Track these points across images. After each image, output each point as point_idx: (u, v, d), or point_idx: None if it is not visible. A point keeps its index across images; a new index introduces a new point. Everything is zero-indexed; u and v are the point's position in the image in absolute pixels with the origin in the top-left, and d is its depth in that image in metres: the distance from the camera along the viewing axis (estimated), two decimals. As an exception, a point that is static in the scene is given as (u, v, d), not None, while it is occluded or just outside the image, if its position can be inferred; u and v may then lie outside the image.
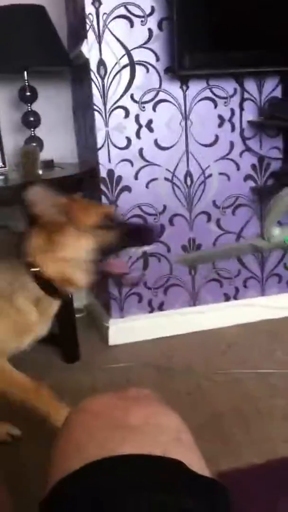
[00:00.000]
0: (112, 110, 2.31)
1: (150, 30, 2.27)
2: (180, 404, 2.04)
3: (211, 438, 1.83)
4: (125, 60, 2.28)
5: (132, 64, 2.29)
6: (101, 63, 2.25)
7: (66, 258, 1.49)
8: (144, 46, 2.28)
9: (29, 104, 2.43)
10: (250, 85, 2.45)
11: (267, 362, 2.32)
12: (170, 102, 2.37)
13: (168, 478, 0.70)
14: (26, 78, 2.39)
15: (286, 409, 1.98)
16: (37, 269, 1.51)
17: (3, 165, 2.28)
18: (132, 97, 2.32)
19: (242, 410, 1.99)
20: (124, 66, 2.28)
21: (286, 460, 1.70)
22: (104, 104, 2.30)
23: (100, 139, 2.33)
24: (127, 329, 2.52)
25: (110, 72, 2.27)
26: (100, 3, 2.19)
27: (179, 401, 2.07)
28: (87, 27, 2.21)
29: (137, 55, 2.28)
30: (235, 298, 2.67)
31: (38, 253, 1.50)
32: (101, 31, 2.22)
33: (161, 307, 2.58)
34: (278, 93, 2.47)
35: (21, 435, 1.87)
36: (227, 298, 2.67)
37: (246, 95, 2.45)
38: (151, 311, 2.57)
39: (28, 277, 1.52)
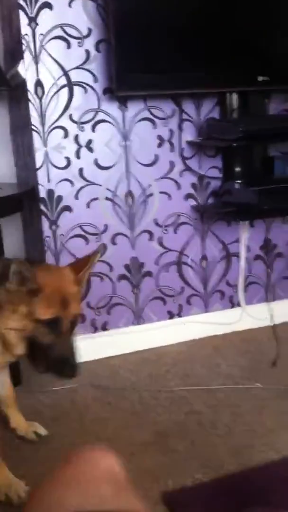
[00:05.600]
0: (51, 130, 2.31)
1: (87, 51, 2.29)
2: (125, 422, 2.04)
3: (157, 455, 1.83)
4: (63, 81, 2.29)
5: (70, 84, 2.30)
6: (38, 83, 2.25)
7: (6, 329, 1.58)
8: (82, 67, 2.30)
9: None
10: (188, 106, 2.50)
11: (211, 377, 2.33)
12: (109, 122, 2.39)
13: None
14: None
15: (230, 424, 1.99)
16: None
17: None
18: (70, 117, 2.33)
19: (186, 426, 1.99)
20: (62, 87, 2.29)
21: (230, 477, 1.71)
22: (42, 124, 2.29)
23: (39, 159, 2.32)
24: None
25: (48, 93, 2.27)
26: (37, 24, 2.20)
27: (124, 420, 2.06)
28: (24, 47, 2.21)
29: (75, 76, 2.30)
30: (179, 315, 2.69)
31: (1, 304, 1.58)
32: (37, 52, 2.23)
33: (104, 327, 2.57)
34: (215, 113, 2.53)
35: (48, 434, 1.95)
36: (171, 315, 2.67)
37: (184, 116, 2.50)
38: (95, 331, 2.55)
39: None
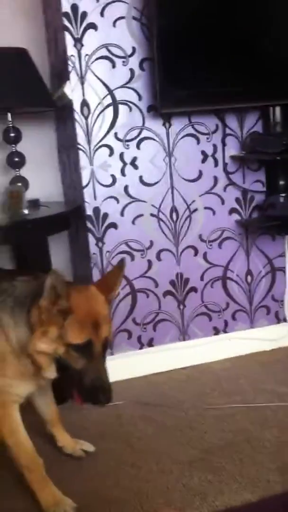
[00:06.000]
0: (97, 149, 2.34)
1: (131, 70, 2.32)
2: (172, 440, 2.03)
3: (204, 474, 1.82)
4: (108, 100, 2.32)
5: (115, 103, 2.33)
6: (84, 103, 2.29)
7: (37, 351, 1.55)
8: (126, 85, 2.33)
9: (13, 145, 2.46)
10: (231, 121, 2.50)
11: (258, 394, 2.31)
12: (153, 139, 2.41)
13: None
14: (10, 119, 2.43)
15: (277, 442, 1.96)
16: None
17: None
18: (116, 135, 2.36)
19: (233, 444, 1.97)
20: (107, 106, 2.32)
21: (280, 497, 1.68)
22: (89, 143, 2.33)
23: (85, 177, 2.35)
24: (117, 366, 2.49)
25: (94, 112, 2.31)
26: (82, 45, 2.24)
27: (171, 437, 2.05)
28: (70, 68, 2.25)
29: (120, 95, 2.33)
30: (225, 331, 2.67)
31: (34, 325, 1.57)
32: (83, 72, 2.27)
33: (150, 343, 2.57)
34: (258, 127, 2.53)
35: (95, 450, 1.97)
36: (216, 331, 2.66)
37: (228, 131, 2.50)
38: (141, 347, 2.56)
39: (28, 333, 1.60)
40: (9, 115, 2.41)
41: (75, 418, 2.18)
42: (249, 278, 2.66)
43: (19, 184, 2.40)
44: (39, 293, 1.53)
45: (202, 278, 2.59)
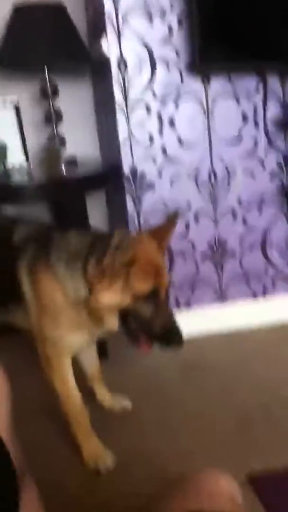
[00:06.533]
0: (134, 107, 2.30)
1: (170, 26, 2.26)
2: (209, 403, 2.00)
3: (241, 440, 1.78)
4: (146, 56, 2.27)
5: (152, 60, 2.28)
6: (121, 59, 2.25)
7: (101, 305, 1.55)
8: (165, 42, 2.27)
9: (50, 101, 2.43)
10: (273, 81, 2.41)
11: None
12: (192, 98, 2.35)
13: None
14: (47, 75, 2.39)
15: None
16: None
17: (27, 162, 2.27)
18: (153, 93, 2.31)
19: (271, 410, 1.93)
20: (145, 62, 2.27)
21: None
22: (126, 100, 2.28)
23: (122, 136, 2.31)
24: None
25: (131, 69, 2.26)
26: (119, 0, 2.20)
27: (208, 400, 2.03)
28: (107, 23, 2.21)
29: (158, 51, 2.27)
30: (264, 296, 2.61)
31: (93, 278, 1.54)
32: (121, 28, 2.22)
33: (188, 305, 2.53)
34: (302, 88, 2.44)
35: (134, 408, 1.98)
36: (255, 296, 2.60)
37: (269, 91, 2.42)
38: (178, 308, 2.51)
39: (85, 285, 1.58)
40: (46, 70, 2.37)
41: (117, 375, 2.17)
42: (288, 243, 2.59)
43: (56, 141, 2.36)
44: (96, 248, 1.54)
45: (241, 243, 2.53)
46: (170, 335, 1.56)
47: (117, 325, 1.60)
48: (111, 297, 1.52)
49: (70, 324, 1.64)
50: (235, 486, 1.06)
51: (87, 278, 1.55)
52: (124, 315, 1.57)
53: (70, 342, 1.69)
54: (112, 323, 1.59)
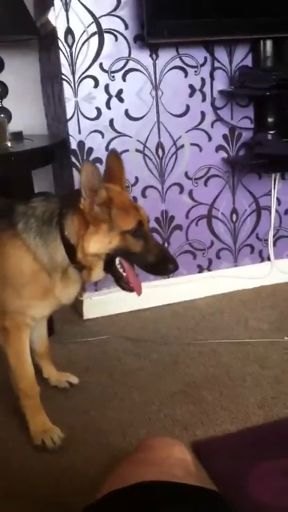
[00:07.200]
0: (81, 80, 2.27)
1: (118, -2, 2.23)
2: (155, 374, 2.06)
3: (186, 406, 1.86)
4: (93, 28, 2.23)
5: (100, 32, 2.24)
6: (68, 31, 2.21)
7: (92, 253, 1.58)
8: (113, 13, 2.24)
9: (-5, 75, 2.38)
10: (221, 54, 2.42)
11: (240, 331, 2.34)
12: (140, 71, 2.34)
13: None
14: (-9, 47, 2.33)
15: (258, 376, 2.00)
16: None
17: None
18: (101, 66, 2.28)
19: (215, 378, 2.01)
20: (92, 34, 2.24)
21: (257, 428, 1.73)
22: (73, 73, 2.25)
23: (69, 110, 2.29)
24: (101, 302, 2.51)
25: (78, 41, 2.23)
26: None
27: (155, 371, 2.09)
28: (54, -5, 2.15)
29: (106, 23, 2.24)
30: (209, 269, 2.68)
31: (74, 235, 1.59)
32: (68, -1, 2.17)
33: (135, 280, 2.57)
34: (248, 61, 2.45)
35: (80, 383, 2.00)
36: (200, 269, 2.67)
37: (216, 64, 2.43)
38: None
39: (62, 248, 1.62)
40: (-10, 42, 2.32)
41: (63, 351, 2.21)
42: (234, 216, 2.65)
43: (2, 115, 2.33)
44: (68, 206, 1.58)
45: (187, 216, 2.58)
46: (166, 261, 1.65)
47: (102, 275, 1.66)
48: (101, 240, 1.57)
49: (38, 292, 1.65)
50: (188, 454, 1.14)
51: (68, 237, 1.58)
52: (109, 263, 1.62)
53: (32, 312, 1.69)
54: (99, 272, 1.64)
